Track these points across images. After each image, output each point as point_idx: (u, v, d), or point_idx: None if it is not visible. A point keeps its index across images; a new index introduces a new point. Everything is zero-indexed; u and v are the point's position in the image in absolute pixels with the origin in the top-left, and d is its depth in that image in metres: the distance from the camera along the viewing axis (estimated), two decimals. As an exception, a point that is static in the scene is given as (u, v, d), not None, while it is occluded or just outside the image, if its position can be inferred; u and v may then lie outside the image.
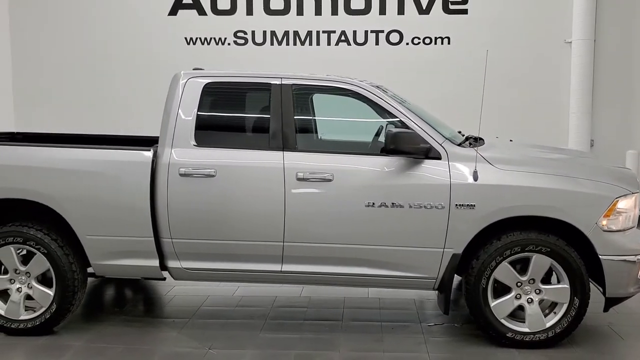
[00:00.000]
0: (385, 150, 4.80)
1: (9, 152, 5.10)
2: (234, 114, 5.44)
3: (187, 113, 4.99)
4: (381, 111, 5.01)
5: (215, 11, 10.58)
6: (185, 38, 10.63)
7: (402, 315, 5.70)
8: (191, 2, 10.61)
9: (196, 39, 10.63)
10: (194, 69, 5.28)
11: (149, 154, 4.93)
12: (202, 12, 10.59)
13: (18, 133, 6.69)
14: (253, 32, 10.58)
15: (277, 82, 5.03)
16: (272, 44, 10.59)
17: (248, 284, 6.23)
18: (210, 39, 10.62)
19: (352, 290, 6.19)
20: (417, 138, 4.77)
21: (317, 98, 5.51)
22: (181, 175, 4.86)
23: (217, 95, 5.15)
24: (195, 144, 4.94)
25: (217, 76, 5.17)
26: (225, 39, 10.59)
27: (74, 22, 10.82)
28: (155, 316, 5.70)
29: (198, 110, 5.00)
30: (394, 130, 4.75)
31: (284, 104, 4.97)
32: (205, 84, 5.05)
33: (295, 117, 5.00)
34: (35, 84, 10.96)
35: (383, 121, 5.17)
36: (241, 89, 5.30)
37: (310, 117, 5.54)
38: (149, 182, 4.88)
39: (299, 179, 4.82)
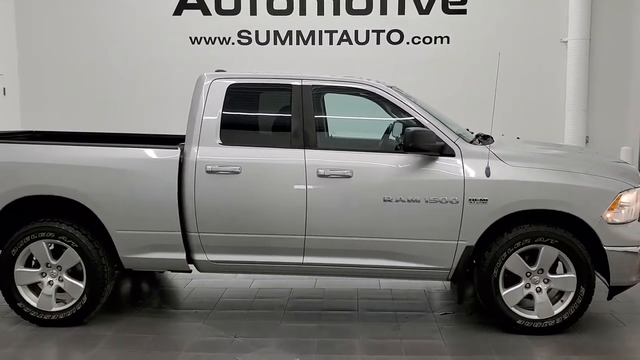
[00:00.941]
0: (403, 148, 5.04)
1: (43, 151, 5.27)
2: (257, 113, 5.67)
3: (212, 113, 5.20)
4: (397, 111, 5.25)
5: (220, 11, 10.79)
6: (190, 38, 10.83)
7: (414, 305, 5.95)
8: (196, 2, 10.80)
9: (201, 38, 10.83)
10: (216, 71, 5.48)
11: (176, 152, 5.15)
12: (206, 12, 10.79)
13: (37, 132, 6.81)
14: (257, 32, 10.81)
15: (298, 83, 5.25)
16: (275, 43, 10.82)
17: (264, 277, 6.48)
18: (215, 38, 10.83)
19: (364, 282, 6.46)
20: (432, 136, 4.99)
21: (333, 98, 5.69)
22: (208, 172, 5.08)
23: (240, 95, 5.36)
24: (221, 142, 5.16)
25: (241, 77, 5.39)
26: (230, 38, 10.81)
27: (79, 22, 10.98)
28: (178, 308, 5.89)
29: (223, 110, 5.21)
30: (412, 129, 4.96)
31: (304, 104, 5.20)
32: (229, 85, 5.27)
33: (315, 117, 5.23)
34: (41, 83, 11.11)
35: (398, 120, 5.40)
36: (263, 90, 5.54)
37: (331, 117, 5.74)
38: (177, 179, 5.09)
39: (319, 176, 5.05)
